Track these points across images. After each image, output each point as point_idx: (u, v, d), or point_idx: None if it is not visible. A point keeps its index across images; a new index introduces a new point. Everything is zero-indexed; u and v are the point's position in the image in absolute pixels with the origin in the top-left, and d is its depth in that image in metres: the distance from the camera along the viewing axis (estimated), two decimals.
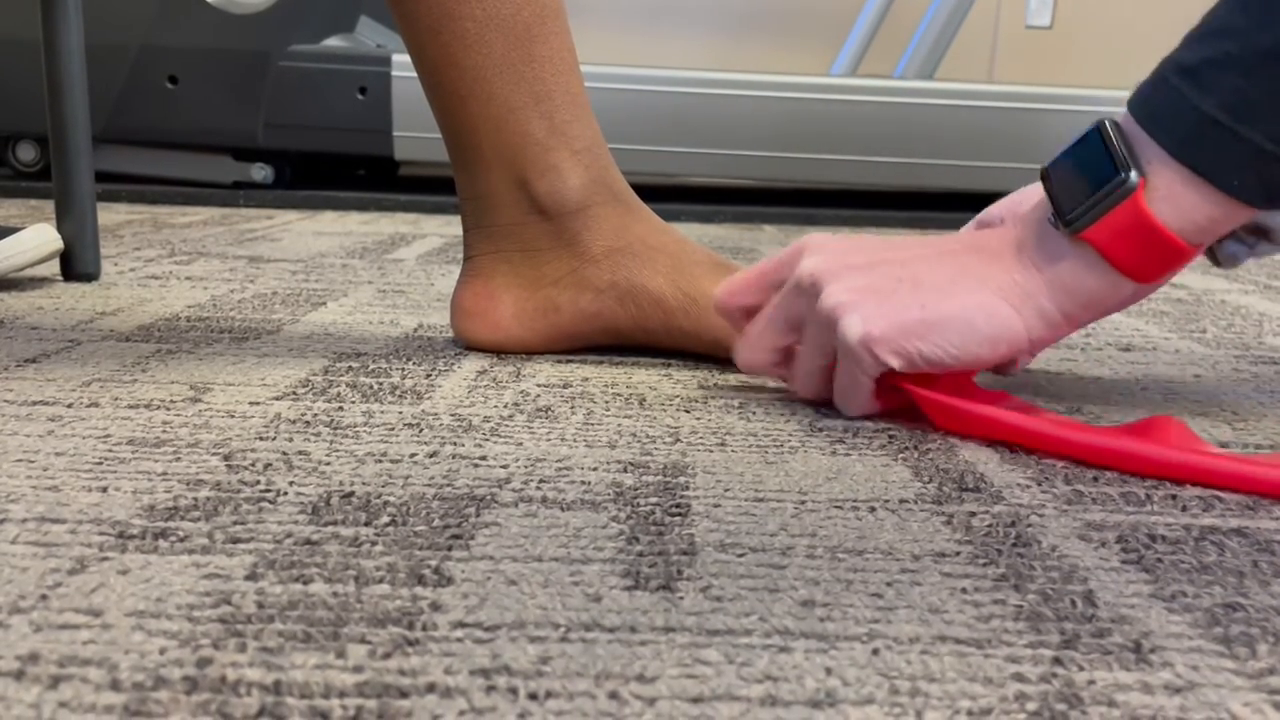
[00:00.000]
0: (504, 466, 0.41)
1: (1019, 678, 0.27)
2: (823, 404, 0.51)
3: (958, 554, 0.34)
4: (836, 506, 0.38)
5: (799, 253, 0.50)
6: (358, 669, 0.26)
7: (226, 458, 0.41)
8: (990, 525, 0.37)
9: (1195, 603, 0.31)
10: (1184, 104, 0.41)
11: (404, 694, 0.25)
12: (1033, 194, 0.53)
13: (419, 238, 1.22)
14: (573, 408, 0.50)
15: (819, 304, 0.47)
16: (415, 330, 0.67)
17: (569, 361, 0.60)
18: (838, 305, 0.46)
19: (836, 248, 0.49)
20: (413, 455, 0.42)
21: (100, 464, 0.40)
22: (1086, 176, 0.43)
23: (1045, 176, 0.45)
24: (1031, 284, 0.44)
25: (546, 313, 0.60)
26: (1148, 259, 0.42)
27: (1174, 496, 0.40)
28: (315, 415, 0.48)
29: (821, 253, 0.49)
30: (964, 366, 0.46)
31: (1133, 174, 0.41)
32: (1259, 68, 0.40)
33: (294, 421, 0.46)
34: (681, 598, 0.30)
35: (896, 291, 0.46)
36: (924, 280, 0.46)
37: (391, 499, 0.37)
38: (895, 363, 0.46)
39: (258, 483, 0.39)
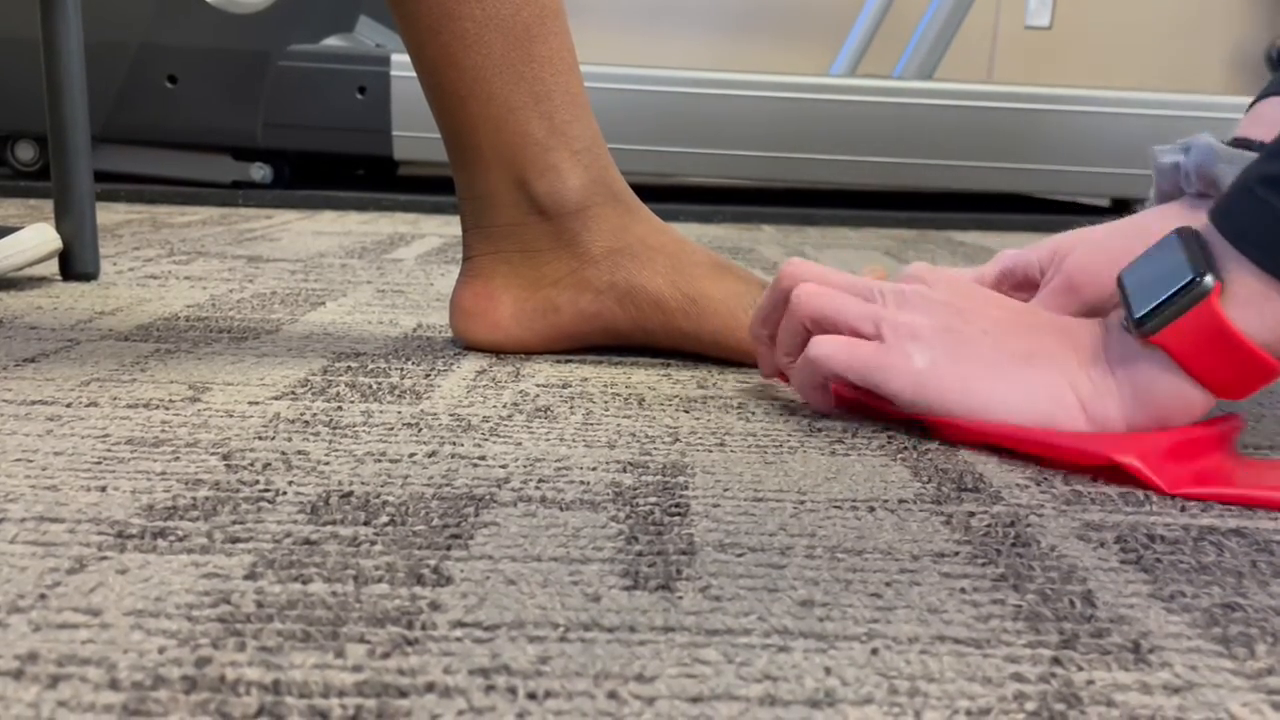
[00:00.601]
0: (503, 466, 0.41)
1: (1018, 677, 0.27)
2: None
3: (957, 554, 0.34)
4: (835, 506, 0.38)
5: (916, 269, 0.49)
6: (357, 668, 0.26)
7: (225, 457, 0.41)
8: (989, 525, 0.37)
9: (1194, 603, 0.31)
10: (1270, 214, 0.39)
11: (403, 693, 0.25)
12: (1070, 242, 0.53)
13: (418, 238, 1.22)
14: (572, 408, 0.50)
15: (899, 314, 0.46)
16: (414, 330, 0.67)
17: (568, 361, 0.60)
18: (915, 329, 0.46)
19: (944, 288, 0.48)
20: (412, 455, 0.42)
21: (99, 463, 0.40)
22: (1160, 280, 0.42)
23: (1120, 282, 0.44)
24: (1104, 385, 0.43)
25: (546, 313, 0.60)
26: (1227, 370, 0.40)
27: (1173, 496, 0.40)
28: (314, 415, 0.48)
29: (932, 283, 0.48)
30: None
31: (1208, 277, 0.40)
32: None
33: (293, 421, 0.46)
34: (680, 597, 0.30)
35: (976, 341, 0.45)
36: (1006, 344, 0.45)
37: (390, 499, 0.37)
38: (927, 412, 0.46)
39: (257, 482, 0.39)
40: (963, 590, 0.31)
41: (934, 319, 0.46)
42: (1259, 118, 0.51)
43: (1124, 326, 0.43)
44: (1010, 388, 0.44)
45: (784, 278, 0.51)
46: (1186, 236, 0.42)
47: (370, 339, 0.64)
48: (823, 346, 0.47)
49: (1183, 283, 0.40)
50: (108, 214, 1.34)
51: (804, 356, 0.48)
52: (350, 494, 0.38)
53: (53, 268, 0.83)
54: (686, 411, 0.50)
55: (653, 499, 0.38)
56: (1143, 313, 0.41)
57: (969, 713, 0.25)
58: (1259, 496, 0.40)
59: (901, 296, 0.47)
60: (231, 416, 0.47)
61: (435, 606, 0.29)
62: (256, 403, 0.49)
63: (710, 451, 0.44)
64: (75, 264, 0.82)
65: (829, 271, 0.51)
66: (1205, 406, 0.42)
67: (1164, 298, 0.41)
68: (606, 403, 0.51)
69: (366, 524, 0.35)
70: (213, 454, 0.42)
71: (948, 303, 0.47)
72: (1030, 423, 0.44)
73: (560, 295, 0.60)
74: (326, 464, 0.41)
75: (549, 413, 0.49)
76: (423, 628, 0.28)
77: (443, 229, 1.33)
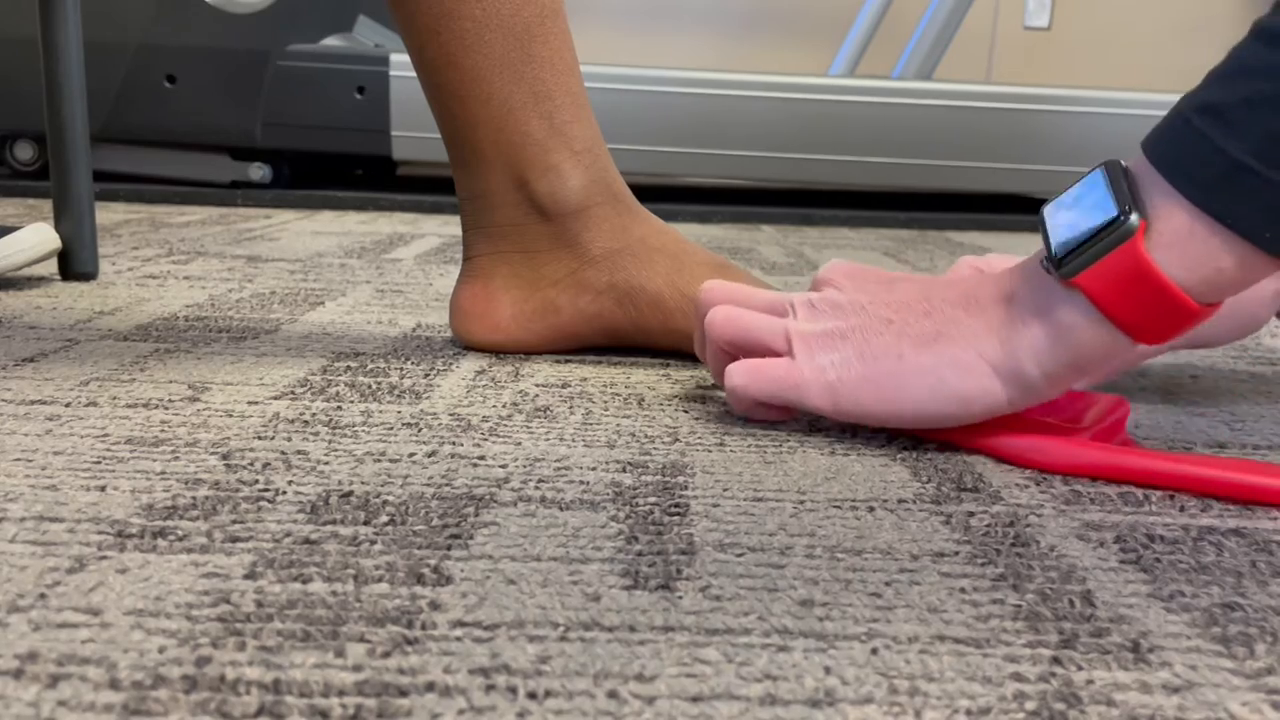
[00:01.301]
0: (503, 466, 0.41)
1: (1017, 677, 0.27)
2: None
3: (956, 554, 0.34)
4: (835, 506, 0.38)
5: (821, 281, 0.49)
6: (357, 668, 0.26)
7: (225, 457, 0.41)
8: (989, 525, 0.37)
9: (1193, 602, 0.31)
10: (1208, 147, 0.37)
11: (403, 693, 0.25)
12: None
13: (417, 237, 1.22)
14: (571, 407, 0.50)
15: (807, 324, 0.46)
16: (413, 330, 0.67)
17: (567, 361, 0.60)
18: (823, 337, 0.45)
19: (848, 284, 0.47)
20: (411, 455, 0.42)
21: (99, 463, 0.40)
22: (1082, 217, 0.39)
23: (1042, 218, 0.42)
24: (1015, 341, 0.41)
25: (545, 314, 0.60)
26: (1148, 314, 0.38)
27: (1172, 496, 0.40)
28: (314, 415, 0.48)
29: (839, 283, 0.47)
30: (932, 425, 0.44)
31: (1133, 216, 0.38)
32: None
33: (292, 421, 0.46)
34: (680, 597, 0.30)
35: (880, 334, 0.44)
36: (910, 329, 0.44)
37: (390, 498, 0.37)
38: (854, 421, 0.45)
39: (256, 482, 0.39)
40: (962, 590, 0.31)
41: (840, 320, 0.45)
42: None
43: (1043, 266, 0.41)
44: (918, 378, 0.43)
45: (700, 304, 0.51)
46: (1113, 170, 0.40)
47: (369, 339, 0.64)
48: (734, 377, 0.47)
49: (1105, 220, 0.38)
50: (106, 214, 1.34)
51: (727, 387, 0.47)
52: (350, 494, 0.38)
53: (52, 267, 0.83)
54: (686, 411, 0.50)
55: (652, 499, 0.38)
56: (1063, 253, 0.39)
57: (969, 712, 0.25)
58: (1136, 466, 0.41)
59: (809, 305, 0.47)
60: (231, 416, 0.47)
61: (435, 606, 0.29)
62: (256, 402, 0.49)
63: (710, 451, 0.44)
64: (74, 264, 0.82)
65: (745, 290, 0.50)
66: (1124, 352, 0.40)
67: (1085, 237, 0.39)
68: (606, 402, 0.51)
69: (366, 524, 0.35)
70: (212, 453, 0.42)
71: (852, 300, 0.46)
72: (945, 405, 0.43)
73: (560, 296, 0.60)
74: (326, 464, 0.41)
75: (548, 412, 0.49)
76: (423, 627, 0.28)
77: (442, 229, 1.32)
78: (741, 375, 0.47)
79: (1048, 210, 0.42)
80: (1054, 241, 0.40)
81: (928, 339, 0.43)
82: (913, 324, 0.44)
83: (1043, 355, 0.41)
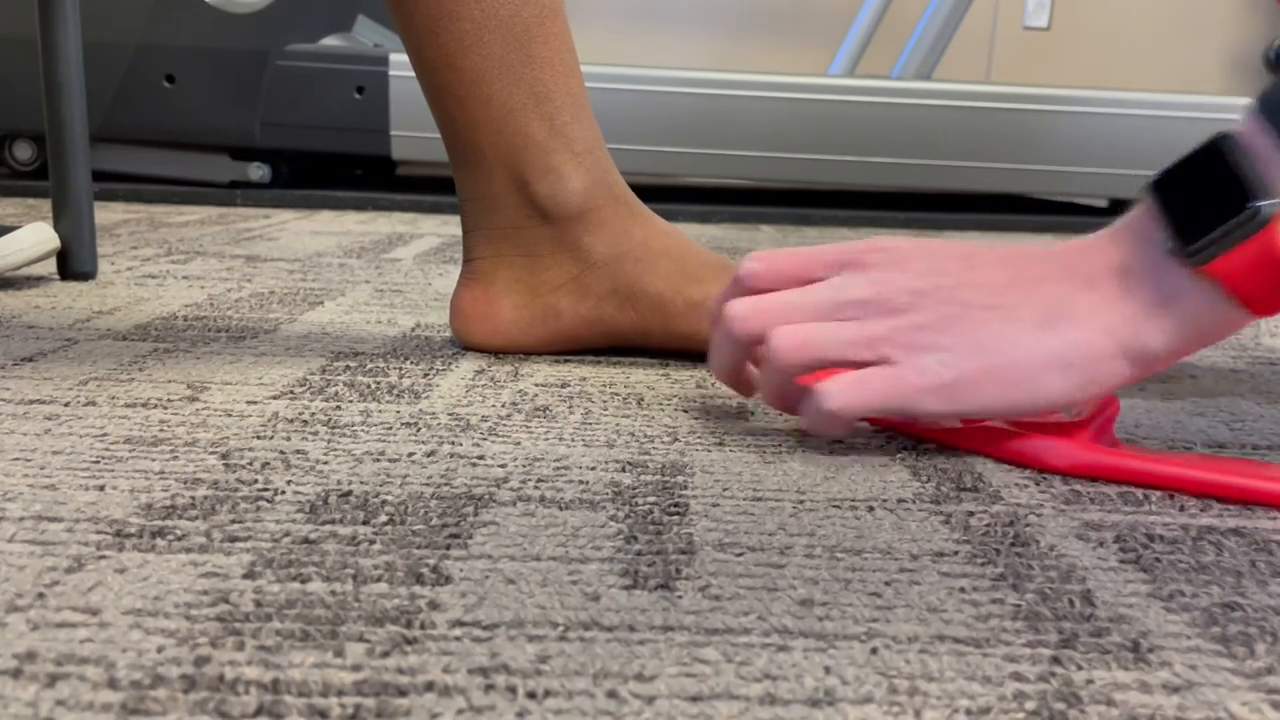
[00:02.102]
0: (502, 466, 0.41)
1: (1017, 677, 0.27)
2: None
3: (956, 553, 0.34)
4: (835, 506, 0.38)
5: (865, 250, 0.44)
6: (356, 667, 0.26)
7: (224, 456, 0.41)
8: (988, 525, 0.37)
9: (1193, 602, 0.31)
10: None
11: (402, 692, 0.25)
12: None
13: (416, 237, 1.22)
14: (570, 407, 0.50)
15: (889, 323, 0.42)
16: (413, 330, 0.67)
17: (567, 361, 0.60)
18: (918, 335, 0.42)
19: (918, 265, 0.43)
20: (410, 454, 0.42)
21: (97, 462, 0.40)
22: (1211, 202, 0.38)
23: (1154, 193, 0.40)
24: (1140, 321, 0.40)
25: (546, 319, 0.60)
26: (1275, 292, 0.38)
27: (1171, 496, 0.40)
28: (313, 414, 0.47)
29: (898, 261, 0.43)
30: (1054, 409, 0.42)
31: (1266, 204, 0.37)
32: None
33: (291, 420, 0.46)
34: (680, 597, 0.30)
35: (986, 322, 0.42)
36: (1018, 312, 0.41)
37: (389, 498, 0.37)
38: (964, 416, 0.43)
39: (255, 481, 0.39)
40: (962, 590, 0.31)
41: (927, 311, 0.42)
42: None
43: (1168, 249, 0.40)
44: (1046, 365, 0.41)
45: (734, 321, 0.45)
46: (1231, 148, 0.39)
47: (369, 338, 0.64)
48: (835, 398, 0.42)
49: (1237, 211, 0.38)
50: (105, 213, 1.34)
51: (819, 412, 0.43)
52: (349, 493, 0.38)
53: (50, 267, 0.83)
54: (685, 411, 0.50)
55: (652, 498, 0.38)
56: (1193, 241, 0.39)
57: (969, 712, 0.25)
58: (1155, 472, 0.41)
59: (879, 301, 0.43)
60: (230, 416, 0.47)
61: (434, 606, 0.29)
62: (255, 402, 0.49)
63: (709, 451, 0.44)
64: (73, 263, 0.81)
65: (775, 300, 0.45)
66: (1243, 324, 0.40)
67: (1218, 226, 0.38)
68: (605, 402, 0.51)
69: (365, 523, 0.35)
70: (211, 453, 0.42)
71: (935, 284, 0.42)
72: (1074, 391, 0.41)
73: (561, 301, 0.60)
74: (325, 463, 0.41)
75: (548, 412, 0.49)
76: (422, 627, 0.28)
77: (441, 229, 1.32)
78: (840, 397, 0.42)
79: (1158, 190, 0.41)
80: (1181, 230, 0.39)
81: (1043, 321, 0.41)
82: (1018, 309, 0.42)
83: (1170, 335, 0.40)
